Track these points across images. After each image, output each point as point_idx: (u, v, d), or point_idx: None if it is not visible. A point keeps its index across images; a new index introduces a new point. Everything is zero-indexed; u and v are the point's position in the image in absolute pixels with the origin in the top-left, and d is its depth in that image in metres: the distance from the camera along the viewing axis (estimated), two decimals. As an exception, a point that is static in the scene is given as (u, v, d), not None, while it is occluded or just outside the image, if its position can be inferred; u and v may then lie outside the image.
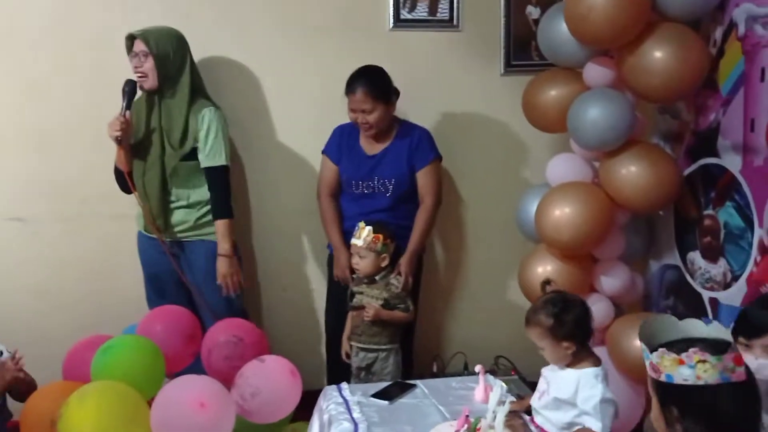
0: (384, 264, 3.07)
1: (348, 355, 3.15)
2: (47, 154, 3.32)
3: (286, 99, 3.47)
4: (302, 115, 3.49)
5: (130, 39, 3.04)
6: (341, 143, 3.28)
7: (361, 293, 3.10)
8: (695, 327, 1.59)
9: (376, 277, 3.08)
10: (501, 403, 1.99)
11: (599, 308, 3.10)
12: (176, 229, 3.14)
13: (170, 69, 3.04)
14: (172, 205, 3.12)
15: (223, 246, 3.09)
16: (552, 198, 2.99)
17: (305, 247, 3.57)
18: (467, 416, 2.01)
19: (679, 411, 1.52)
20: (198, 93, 3.13)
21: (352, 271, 3.13)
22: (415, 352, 3.37)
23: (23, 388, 2.67)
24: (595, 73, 2.96)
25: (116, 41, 3.19)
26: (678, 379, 1.50)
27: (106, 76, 3.25)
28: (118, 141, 2.99)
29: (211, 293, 3.14)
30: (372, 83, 3.10)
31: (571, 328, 2.16)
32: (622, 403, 2.99)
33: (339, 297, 3.23)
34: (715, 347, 1.50)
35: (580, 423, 2.12)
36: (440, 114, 3.57)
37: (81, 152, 3.33)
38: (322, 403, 2.57)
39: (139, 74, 3.02)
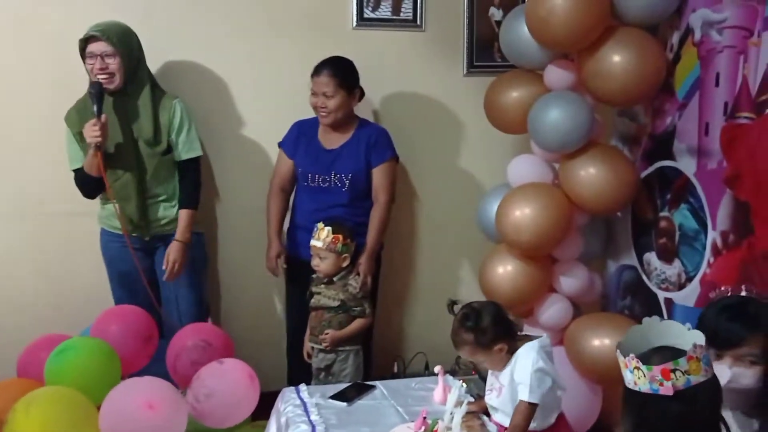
0: (345, 264, 3.06)
1: (309, 356, 3.14)
2: (3, 153, 3.24)
3: (248, 98, 3.44)
4: (264, 114, 3.46)
5: (87, 40, 2.94)
6: (298, 137, 3.28)
7: (319, 293, 3.09)
8: (677, 332, 1.64)
9: (335, 278, 3.07)
10: (459, 403, 1.99)
11: (558, 308, 3.15)
12: (160, 223, 3.13)
13: (132, 66, 3.00)
14: (151, 201, 3.09)
15: (185, 234, 3.12)
16: (512, 199, 3.01)
17: (263, 246, 3.53)
18: (425, 418, 2.01)
19: (621, 409, 1.62)
20: (156, 87, 3.11)
21: (312, 271, 3.11)
22: (375, 353, 3.37)
23: None
24: (556, 75, 2.99)
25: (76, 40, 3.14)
26: (625, 382, 1.59)
27: (68, 72, 3.18)
28: (98, 146, 2.92)
29: (184, 287, 3.16)
30: (338, 69, 3.12)
31: (493, 332, 2.20)
32: (579, 403, 3.08)
33: (300, 297, 3.22)
34: (677, 355, 1.55)
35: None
36: (402, 113, 3.57)
37: (38, 151, 3.26)
38: (280, 404, 2.56)
39: (106, 75, 2.95)
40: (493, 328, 2.20)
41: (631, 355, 1.56)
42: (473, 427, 2.21)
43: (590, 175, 2.94)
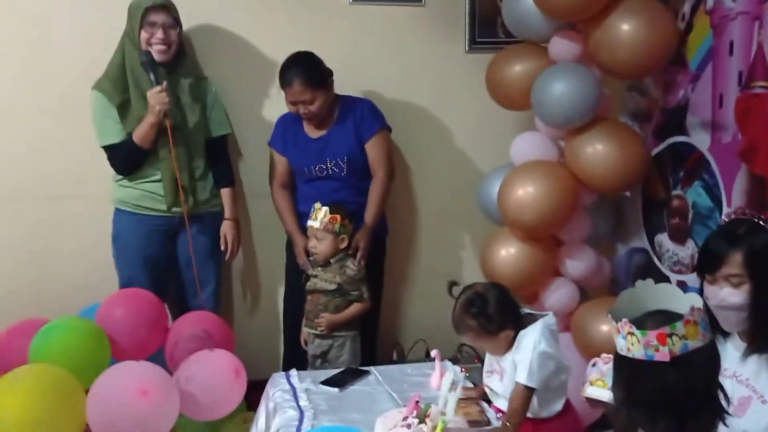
0: (342, 246, 2.93)
1: (306, 343, 3.01)
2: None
3: (242, 76, 3.30)
4: (258, 93, 3.32)
5: (150, 8, 2.86)
6: (285, 133, 3.16)
7: (316, 276, 2.96)
8: (673, 295, 1.52)
9: (332, 260, 2.94)
10: (454, 388, 1.86)
11: (564, 293, 3.01)
12: (199, 201, 3.06)
13: (180, 40, 2.99)
14: (196, 178, 3.04)
15: (234, 211, 3.16)
16: (515, 177, 2.87)
17: (262, 231, 3.41)
18: (417, 402, 1.88)
19: (613, 377, 1.53)
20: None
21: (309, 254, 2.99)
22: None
23: None
24: (561, 47, 2.84)
25: (57, 17, 3.08)
26: (617, 348, 1.49)
27: (46, 49, 3.09)
28: (164, 114, 2.83)
29: (209, 273, 3.11)
30: (308, 72, 2.95)
31: (500, 318, 2.06)
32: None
33: (297, 282, 3.09)
34: (673, 319, 1.43)
35: None
36: (401, 92, 3.43)
37: (16, 132, 3.13)
38: (270, 390, 2.44)
39: (164, 46, 2.89)
40: (499, 314, 2.06)
41: (624, 319, 1.44)
42: (470, 413, 2.07)
43: (597, 151, 2.79)
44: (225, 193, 3.14)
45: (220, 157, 3.14)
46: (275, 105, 3.23)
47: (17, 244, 3.17)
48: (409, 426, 1.81)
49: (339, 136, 3.08)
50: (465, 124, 3.50)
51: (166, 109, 2.84)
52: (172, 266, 3.09)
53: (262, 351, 3.11)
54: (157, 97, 2.83)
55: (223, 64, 3.27)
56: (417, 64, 3.44)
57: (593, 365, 2.06)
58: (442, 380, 1.92)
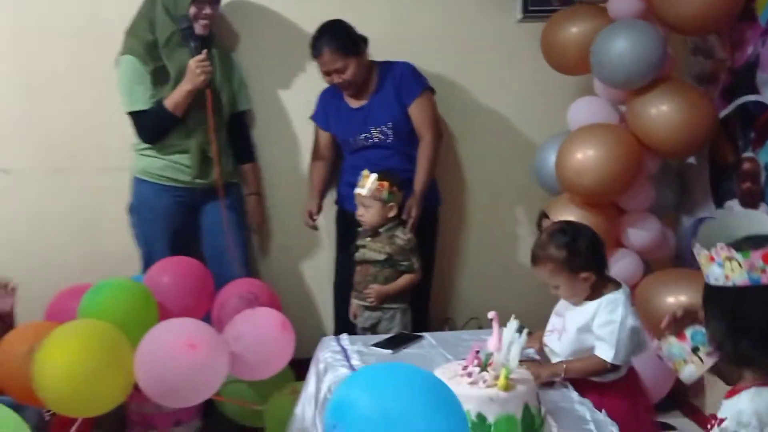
0: (391, 214, 2.82)
1: (356, 316, 2.92)
2: (35, 104, 3.12)
3: (284, 50, 3.23)
4: (298, 70, 3.25)
5: None
6: (327, 107, 3.12)
7: (365, 246, 2.86)
8: (760, 220, 1.43)
9: (381, 230, 2.84)
10: (518, 334, 1.74)
11: (627, 264, 2.85)
12: (224, 173, 3.01)
13: None
14: (221, 150, 3.01)
15: (258, 186, 3.20)
16: (574, 140, 2.74)
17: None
18: (477, 352, 1.76)
19: (706, 314, 1.43)
20: None
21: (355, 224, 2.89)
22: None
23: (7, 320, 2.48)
24: (621, 4, 2.72)
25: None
26: (711, 279, 1.38)
27: (97, 22, 3.08)
28: (206, 82, 2.81)
29: (238, 236, 3.08)
30: (337, 40, 2.90)
31: (586, 257, 1.95)
32: (651, 369, 2.76)
33: (348, 255, 3.00)
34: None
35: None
36: (452, 63, 3.32)
37: (70, 102, 3.13)
38: (319, 353, 2.34)
39: (207, 21, 2.87)
40: (588, 252, 1.95)
41: (720, 244, 1.33)
42: (532, 365, 1.95)
43: (662, 112, 2.66)
44: (248, 168, 3.17)
45: (242, 132, 3.14)
46: (307, 79, 3.18)
47: (68, 215, 3.16)
48: (470, 375, 1.69)
49: (381, 103, 3.00)
50: (517, 95, 3.37)
51: (207, 77, 2.80)
52: (193, 238, 3.05)
53: (309, 328, 3.02)
54: (201, 65, 2.79)
55: (254, 39, 3.21)
56: (468, 33, 3.33)
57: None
58: (504, 330, 1.79)
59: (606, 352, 1.92)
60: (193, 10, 2.85)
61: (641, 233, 2.84)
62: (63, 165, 3.16)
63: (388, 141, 3.00)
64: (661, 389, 2.80)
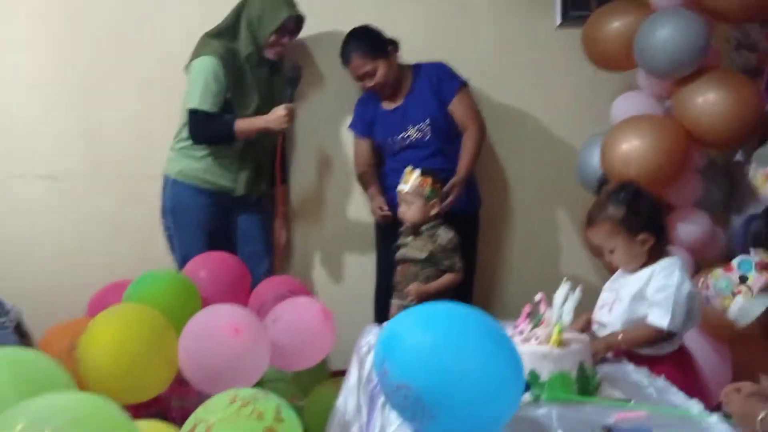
0: (433, 212, 2.79)
1: (396, 316, 2.86)
2: (82, 111, 3.20)
3: (324, 57, 3.27)
4: (337, 75, 3.27)
5: (294, 18, 2.95)
6: (364, 113, 3.15)
7: (406, 245, 2.82)
8: None
9: (422, 228, 2.80)
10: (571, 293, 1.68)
11: (676, 260, 2.77)
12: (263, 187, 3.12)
13: None
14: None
15: (286, 208, 3.22)
16: (619, 131, 2.71)
17: (350, 213, 3.35)
18: (529, 314, 1.70)
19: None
20: None
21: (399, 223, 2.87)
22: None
23: None
24: (664, -6, 2.71)
25: (164, 4, 3.17)
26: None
27: (146, 30, 3.16)
28: (283, 131, 2.90)
29: (268, 241, 3.13)
30: (363, 43, 2.96)
31: (647, 217, 1.88)
32: (708, 371, 2.65)
33: (389, 256, 2.96)
34: None
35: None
36: (490, 69, 3.32)
37: (116, 110, 3.21)
38: (361, 342, 2.29)
39: (281, 48, 2.97)
40: (648, 213, 1.89)
41: None
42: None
43: (709, 101, 2.62)
44: (282, 190, 3.18)
45: (282, 152, 3.13)
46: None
47: (111, 219, 3.21)
48: (521, 332, 1.64)
49: (416, 102, 3.02)
50: (558, 97, 3.36)
51: (286, 128, 2.89)
52: (229, 242, 3.05)
53: (353, 327, 2.98)
54: (290, 114, 2.85)
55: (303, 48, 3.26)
56: (506, 39, 3.35)
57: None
58: (555, 293, 1.73)
59: (661, 318, 1.83)
60: (273, 38, 2.92)
61: (691, 229, 2.76)
62: (106, 171, 3.22)
63: (426, 139, 3.00)
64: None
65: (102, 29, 3.18)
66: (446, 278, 2.77)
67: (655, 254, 1.91)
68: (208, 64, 2.88)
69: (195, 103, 2.88)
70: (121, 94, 3.19)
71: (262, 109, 2.93)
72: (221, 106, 2.90)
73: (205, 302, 2.57)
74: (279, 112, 2.84)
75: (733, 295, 1.71)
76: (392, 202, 2.95)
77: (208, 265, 2.72)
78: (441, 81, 3.02)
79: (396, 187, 2.88)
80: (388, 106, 3.08)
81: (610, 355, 1.90)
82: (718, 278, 1.68)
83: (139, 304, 2.26)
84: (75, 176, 3.20)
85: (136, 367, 2.08)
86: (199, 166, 2.97)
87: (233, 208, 3.06)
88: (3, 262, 2.73)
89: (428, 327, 1.29)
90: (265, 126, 2.86)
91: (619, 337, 1.87)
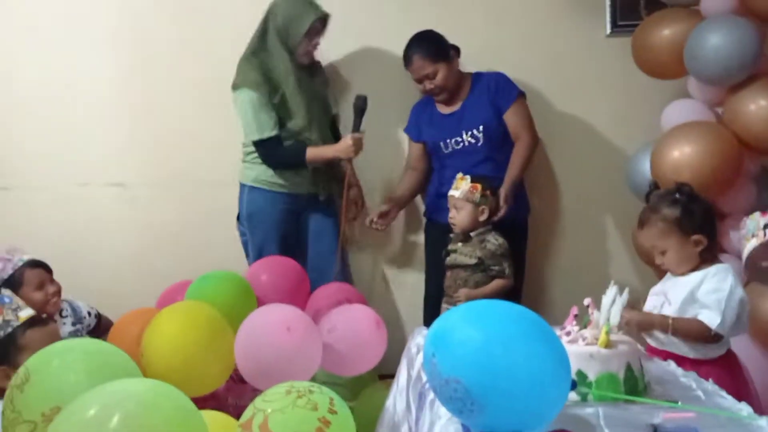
0: (482, 218, 2.82)
1: (447, 322, 2.90)
2: (151, 121, 3.35)
3: (377, 68, 3.36)
4: (392, 84, 3.35)
5: (321, 20, 3.00)
6: (419, 118, 3.21)
7: (455, 251, 2.87)
8: None
9: (472, 234, 2.84)
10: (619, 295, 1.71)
11: (728, 268, 2.74)
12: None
13: None
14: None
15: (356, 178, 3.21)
16: (670, 138, 2.71)
17: (401, 218, 3.40)
18: (576, 315, 1.73)
19: None
20: None
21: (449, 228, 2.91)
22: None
23: None
24: (714, 1, 2.71)
25: (220, 13, 3.30)
26: None
27: (212, 46, 3.29)
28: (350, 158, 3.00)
29: (333, 253, 3.13)
30: (425, 46, 3.02)
31: (701, 219, 1.89)
32: (758, 379, 2.62)
33: (438, 263, 3.01)
34: None
35: None
36: (541, 77, 3.35)
37: (178, 120, 3.35)
38: (410, 343, 2.34)
39: (312, 51, 3.05)
40: (702, 216, 1.91)
41: None
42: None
43: (761, 108, 2.61)
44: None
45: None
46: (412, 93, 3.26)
47: (175, 224, 3.35)
48: (568, 333, 1.66)
49: (473, 107, 3.07)
50: (608, 105, 3.37)
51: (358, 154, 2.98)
52: (300, 245, 3.13)
53: (398, 341, 3.03)
54: (359, 143, 2.96)
55: (351, 59, 3.35)
56: (559, 47, 3.38)
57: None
58: (603, 297, 1.76)
59: (711, 319, 1.85)
60: (305, 43, 3.00)
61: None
62: (170, 179, 3.36)
63: (479, 145, 3.04)
64: None
65: (163, 41, 3.33)
66: (496, 284, 2.80)
67: (706, 258, 1.92)
68: (246, 98, 2.98)
69: (255, 135, 3.00)
70: (183, 104, 3.33)
71: (312, 115, 3.02)
72: (277, 124, 3.01)
73: (264, 303, 2.67)
74: (347, 141, 2.96)
75: (753, 236, 1.73)
76: (438, 209, 3.02)
77: (270, 269, 2.82)
78: (498, 89, 3.07)
79: (442, 194, 2.96)
80: (444, 110, 3.14)
81: (659, 334, 1.92)
82: (752, 219, 1.71)
83: (200, 301, 2.34)
84: (140, 183, 3.36)
85: (195, 360, 2.17)
86: (269, 172, 3.07)
87: (305, 210, 3.15)
88: (72, 264, 2.87)
89: (478, 323, 1.33)
90: (334, 155, 3.00)
91: (670, 320, 1.88)
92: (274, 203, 3.07)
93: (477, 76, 3.14)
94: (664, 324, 1.90)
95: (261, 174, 3.08)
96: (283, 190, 3.07)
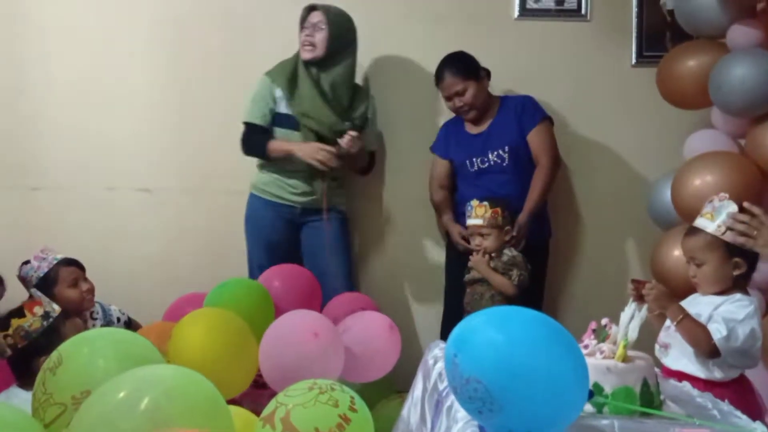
0: (508, 237, 2.85)
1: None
2: (181, 129, 3.42)
3: (408, 88, 3.43)
4: (422, 105, 3.43)
5: (309, 10, 3.08)
6: (447, 136, 3.25)
7: (474, 268, 2.89)
8: None
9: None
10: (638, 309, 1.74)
11: (747, 298, 2.75)
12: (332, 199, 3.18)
13: (338, 46, 3.10)
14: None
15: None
16: (691, 167, 2.74)
17: (420, 232, 3.46)
18: (594, 330, 1.75)
19: None
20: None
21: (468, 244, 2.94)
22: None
23: None
24: (740, 34, 2.76)
25: (254, 24, 3.38)
26: None
27: (240, 59, 3.36)
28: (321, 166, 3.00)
29: (333, 265, 3.14)
30: (456, 64, 3.09)
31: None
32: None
33: (458, 284, 3.03)
34: None
35: None
36: (567, 106, 3.41)
37: (211, 129, 3.42)
38: (427, 356, 2.36)
39: (308, 44, 3.07)
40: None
41: None
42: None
43: (784, 140, 2.62)
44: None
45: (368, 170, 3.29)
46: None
47: (200, 230, 3.41)
48: (586, 347, 1.69)
49: (500, 128, 3.11)
50: (632, 133, 3.42)
51: (321, 164, 2.98)
52: (294, 256, 3.14)
53: (414, 357, 3.05)
54: (324, 157, 2.97)
55: (384, 79, 3.41)
56: (582, 77, 3.44)
57: (709, 202, 1.95)
58: (621, 314, 1.78)
59: (716, 332, 1.85)
60: (302, 36, 3.06)
61: (765, 268, 2.73)
62: (196, 186, 3.43)
63: (504, 165, 3.08)
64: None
65: (196, 52, 3.41)
66: (499, 277, 2.78)
67: (738, 284, 1.94)
68: (259, 82, 3.13)
69: (245, 117, 3.12)
70: (210, 113, 3.40)
71: (311, 111, 3.05)
72: (270, 118, 3.08)
73: (279, 312, 2.70)
74: (315, 146, 2.98)
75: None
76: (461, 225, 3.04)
77: (282, 276, 2.86)
78: (525, 110, 3.12)
79: (465, 212, 2.95)
80: (472, 130, 3.19)
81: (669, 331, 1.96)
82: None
83: (223, 309, 2.38)
84: (166, 190, 3.42)
85: (222, 365, 2.18)
86: (267, 179, 3.15)
87: (303, 223, 3.18)
88: (96, 265, 2.91)
89: (500, 325, 1.36)
90: (296, 152, 3.00)
91: (681, 316, 1.88)
92: (266, 210, 3.15)
93: (505, 99, 3.20)
94: (677, 312, 1.90)
95: (259, 181, 3.17)
96: (275, 200, 3.13)
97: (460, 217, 3.12)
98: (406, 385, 2.80)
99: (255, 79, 3.17)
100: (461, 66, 3.08)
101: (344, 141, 3.00)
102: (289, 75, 3.10)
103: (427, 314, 3.39)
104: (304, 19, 3.10)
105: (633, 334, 1.67)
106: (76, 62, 3.40)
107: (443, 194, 3.24)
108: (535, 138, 3.08)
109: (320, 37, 3.07)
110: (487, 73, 3.16)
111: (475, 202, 2.86)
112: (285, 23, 3.24)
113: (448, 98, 3.11)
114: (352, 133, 3.01)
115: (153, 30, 3.41)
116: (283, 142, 3.07)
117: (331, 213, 3.15)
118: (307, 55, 3.09)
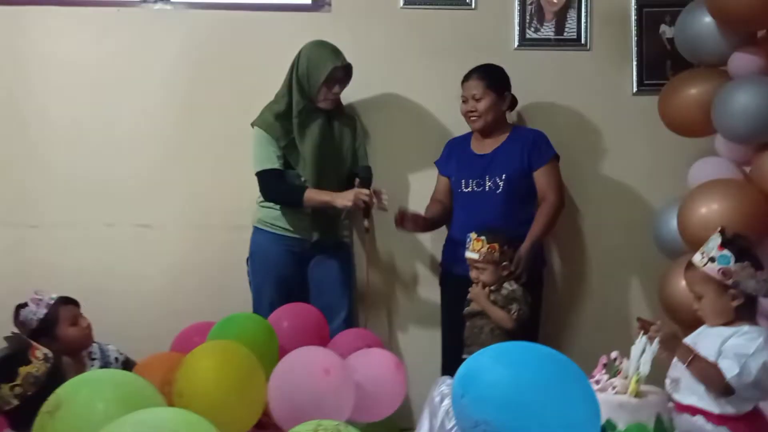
0: (505, 273, 2.83)
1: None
2: (180, 165, 3.40)
3: (409, 117, 3.43)
4: (424, 133, 3.43)
5: (340, 68, 3.06)
6: (451, 152, 3.25)
7: (473, 301, 2.86)
8: None
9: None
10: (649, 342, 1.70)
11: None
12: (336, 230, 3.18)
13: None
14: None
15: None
16: (698, 195, 2.72)
17: (418, 264, 3.44)
18: (605, 364, 1.71)
19: None
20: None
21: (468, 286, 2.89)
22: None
23: None
24: (742, 62, 2.75)
25: (254, 62, 3.38)
26: None
27: (244, 97, 3.34)
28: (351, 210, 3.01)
29: (338, 297, 3.14)
30: (486, 71, 3.10)
31: (749, 274, 1.87)
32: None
33: (455, 315, 2.98)
34: None
35: None
36: (568, 134, 3.38)
37: (210, 165, 3.41)
38: (433, 393, 2.32)
39: (334, 98, 3.11)
40: (752, 269, 1.89)
41: None
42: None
43: (790, 167, 2.60)
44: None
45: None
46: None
47: (199, 266, 3.37)
48: (597, 382, 1.65)
49: (504, 155, 3.09)
50: (633, 165, 3.42)
51: (355, 210, 3.01)
52: (302, 290, 3.13)
53: (416, 394, 2.99)
54: (362, 199, 2.95)
55: (383, 112, 3.42)
56: (582, 106, 3.43)
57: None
58: (632, 347, 1.75)
59: (729, 369, 1.82)
60: (324, 90, 3.06)
61: (772, 296, 2.70)
62: (197, 222, 3.40)
63: (497, 192, 3.05)
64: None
65: (190, 88, 3.39)
66: (498, 311, 2.76)
67: (743, 316, 1.90)
68: (256, 135, 3.11)
69: (257, 167, 3.09)
70: (210, 150, 3.39)
71: (324, 155, 3.06)
72: (282, 161, 3.07)
73: (284, 351, 2.65)
74: (349, 195, 2.96)
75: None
76: (456, 261, 3.02)
77: (291, 315, 2.83)
78: (535, 146, 3.09)
79: (457, 239, 3.00)
80: (477, 150, 3.17)
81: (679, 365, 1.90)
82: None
83: (231, 342, 2.33)
84: (165, 225, 3.39)
85: (231, 400, 2.13)
86: (273, 214, 3.13)
87: (311, 257, 3.16)
88: (95, 302, 2.87)
89: (507, 363, 1.33)
90: (335, 203, 2.99)
91: (691, 356, 1.85)
92: (275, 244, 3.12)
93: (517, 129, 3.20)
94: (686, 353, 1.87)
95: (265, 216, 3.14)
96: (284, 233, 3.11)
97: (452, 245, 3.12)
98: (407, 422, 2.76)
99: (252, 115, 3.15)
100: (489, 75, 3.10)
101: (382, 203, 2.99)
102: (284, 128, 3.09)
103: (427, 348, 3.30)
104: (332, 74, 3.05)
105: (645, 368, 1.63)
106: (75, 98, 3.38)
107: (436, 206, 3.22)
108: (542, 176, 3.06)
109: (341, 91, 3.14)
110: (513, 100, 3.16)
111: (473, 235, 2.83)
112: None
113: (465, 100, 3.11)
114: (384, 196, 2.98)
115: (154, 67, 3.40)
116: (320, 192, 3.03)
117: (339, 247, 3.16)
118: (327, 107, 3.12)
